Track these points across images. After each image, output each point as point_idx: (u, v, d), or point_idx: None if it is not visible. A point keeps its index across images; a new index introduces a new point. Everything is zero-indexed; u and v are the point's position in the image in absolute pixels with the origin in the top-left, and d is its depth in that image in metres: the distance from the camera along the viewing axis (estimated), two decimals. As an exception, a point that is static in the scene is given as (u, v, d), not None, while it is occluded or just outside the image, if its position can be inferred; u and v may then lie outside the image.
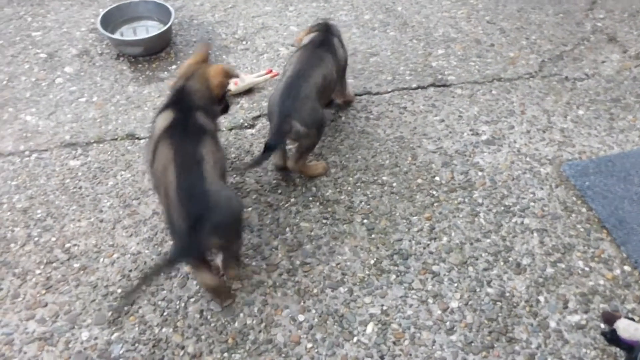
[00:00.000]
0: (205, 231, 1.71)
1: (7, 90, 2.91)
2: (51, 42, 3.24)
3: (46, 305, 2.02)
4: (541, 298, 2.05)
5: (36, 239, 2.23)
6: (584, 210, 2.34)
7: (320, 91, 2.33)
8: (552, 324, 1.97)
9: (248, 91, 2.90)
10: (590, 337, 1.94)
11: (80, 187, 2.44)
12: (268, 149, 2.17)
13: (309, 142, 2.34)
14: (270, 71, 2.95)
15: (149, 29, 3.28)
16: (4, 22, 3.39)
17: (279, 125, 2.19)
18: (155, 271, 1.76)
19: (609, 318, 1.87)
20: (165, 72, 3.05)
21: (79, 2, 3.58)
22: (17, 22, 3.40)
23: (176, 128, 1.88)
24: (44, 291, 2.06)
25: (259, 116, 2.79)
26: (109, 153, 2.59)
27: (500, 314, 2.00)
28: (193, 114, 1.94)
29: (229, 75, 2.16)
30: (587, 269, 2.14)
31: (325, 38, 2.49)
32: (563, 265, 2.15)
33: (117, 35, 3.17)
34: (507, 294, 2.06)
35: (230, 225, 1.88)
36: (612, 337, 1.80)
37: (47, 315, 1.99)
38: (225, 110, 2.29)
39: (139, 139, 2.66)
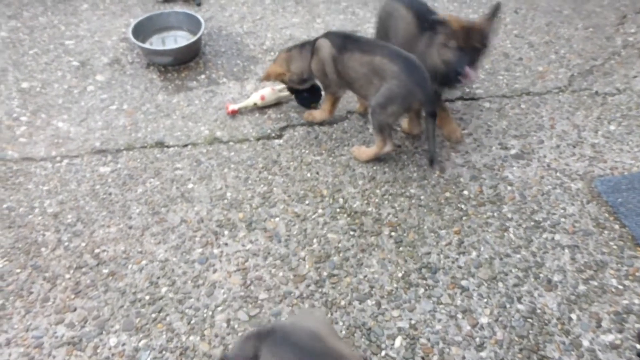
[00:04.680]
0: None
1: (40, 97, 2.97)
2: (83, 51, 3.30)
3: (75, 310, 2.04)
4: (573, 316, 2.00)
5: (66, 243, 2.26)
6: (616, 227, 2.30)
7: None
8: (585, 343, 1.93)
9: (276, 103, 2.92)
10: (625, 357, 1.89)
11: (110, 194, 2.46)
12: (434, 116, 2.41)
13: None
14: None
15: (177, 39, 3.32)
16: (39, 31, 3.46)
17: (430, 90, 2.38)
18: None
19: (645, 338, 1.84)
20: (194, 82, 3.09)
21: (111, 12, 3.65)
22: (51, 30, 3.47)
23: None
24: (73, 296, 2.08)
25: (286, 127, 2.80)
26: (138, 160, 2.62)
27: (531, 331, 1.96)
28: None
29: None
30: (620, 287, 2.09)
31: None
32: (596, 283, 2.10)
33: (146, 45, 3.22)
34: (538, 311, 2.02)
35: None
36: (649, 358, 1.77)
37: (76, 319, 2.01)
38: None
39: (167, 147, 2.69)
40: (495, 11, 2.38)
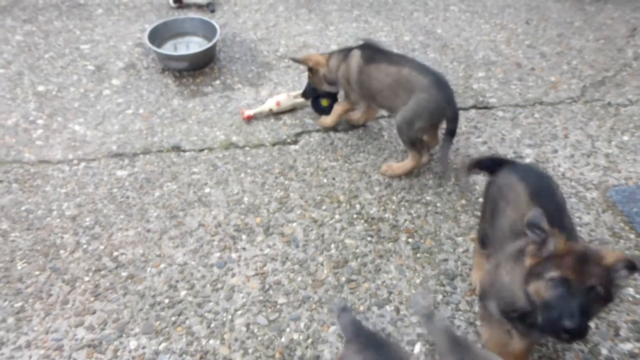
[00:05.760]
0: None
1: (56, 101, 2.98)
2: (99, 55, 3.32)
3: (95, 312, 2.04)
4: (591, 325, 2.01)
5: (85, 246, 2.26)
6: (632, 236, 2.31)
7: None
8: (604, 352, 1.93)
9: (291, 109, 2.94)
10: (645, 366, 1.90)
11: (127, 197, 2.47)
12: (453, 134, 2.44)
13: None
14: None
15: (189, 44, 3.35)
16: (54, 35, 3.48)
17: (456, 107, 2.42)
18: None
19: (665, 347, 1.84)
20: (209, 87, 3.10)
21: (126, 18, 3.68)
22: (67, 34, 3.49)
23: None
24: (92, 298, 2.08)
25: (301, 132, 2.82)
26: (155, 164, 2.63)
27: (549, 339, 1.97)
28: None
29: None
30: (638, 296, 2.10)
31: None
32: (613, 292, 2.11)
33: (162, 50, 3.23)
34: (557, 319, 2.03)
35: None
36: (670, 367, 1.77)
37: (95, 322, 2.01)
38: None
39: (184, 151, 2.70)
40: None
